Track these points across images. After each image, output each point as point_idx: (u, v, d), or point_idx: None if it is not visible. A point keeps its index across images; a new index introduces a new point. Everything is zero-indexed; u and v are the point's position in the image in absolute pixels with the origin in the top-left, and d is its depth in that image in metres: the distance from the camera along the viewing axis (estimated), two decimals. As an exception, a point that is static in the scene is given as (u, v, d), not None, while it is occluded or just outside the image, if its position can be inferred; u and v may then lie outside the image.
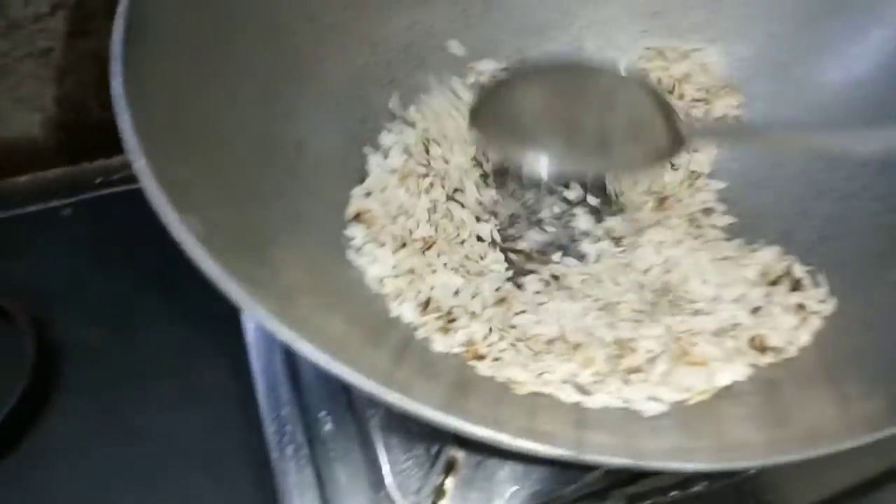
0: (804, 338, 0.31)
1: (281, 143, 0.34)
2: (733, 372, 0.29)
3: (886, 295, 0.30)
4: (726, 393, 0.29)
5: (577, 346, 0.30)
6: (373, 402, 0.33)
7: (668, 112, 0.31)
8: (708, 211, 0.37)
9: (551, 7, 0.42)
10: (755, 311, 0.32)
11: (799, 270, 0.33)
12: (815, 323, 0.31)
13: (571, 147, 0.31)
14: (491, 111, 0.32)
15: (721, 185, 0.38)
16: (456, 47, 0.41)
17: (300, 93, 0.35)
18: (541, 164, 0.31)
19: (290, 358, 0.36)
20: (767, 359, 0.30)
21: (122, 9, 0.26)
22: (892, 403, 0.26)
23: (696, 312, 0.32)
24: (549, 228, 0.38)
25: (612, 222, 0.37)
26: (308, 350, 0.21)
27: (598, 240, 0.37)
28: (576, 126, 0.32)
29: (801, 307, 0.31)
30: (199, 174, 0.26)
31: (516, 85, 0.33)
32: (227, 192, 0.28)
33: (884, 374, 0.27)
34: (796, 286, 0.32)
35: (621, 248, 0.36)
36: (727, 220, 0.37)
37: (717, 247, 0.36)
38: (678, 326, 0.31)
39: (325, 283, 0.31)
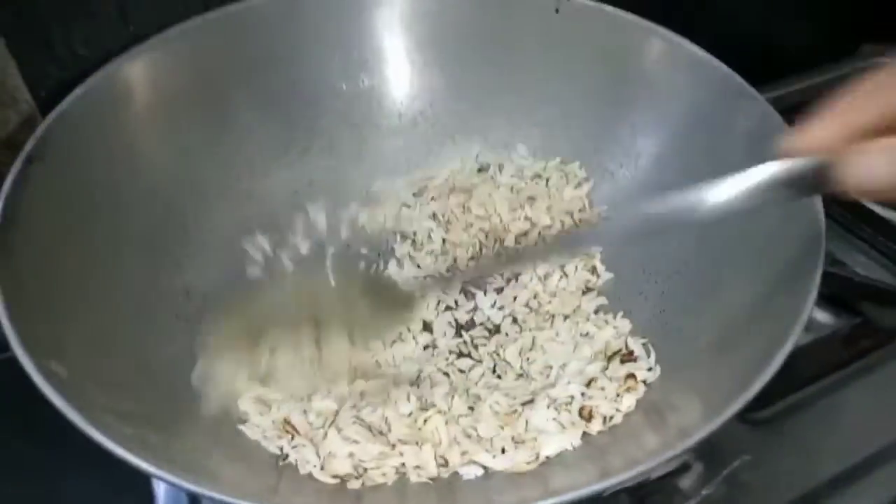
0: (628, 403, 0.34)
1: (167, 291, 0.39)
2: (562, 442, 0.32)
3: (704, 355, 0.34)
4: (556, 461, 0.32)
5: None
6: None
7: None
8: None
9: (415, 150, 0.48)
10: (589, 383, 0.35)
11: (633, 344, 0.37)
12: (641, 389, 0.35)
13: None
14: None
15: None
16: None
17: (185, 244, 0.41)
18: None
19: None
20: (596, 427, 0.33)
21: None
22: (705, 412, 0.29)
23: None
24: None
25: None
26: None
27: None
28: None
29: (630, 377, 0.35)
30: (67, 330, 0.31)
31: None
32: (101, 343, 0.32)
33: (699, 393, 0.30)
34: (629, 358, 0.36)
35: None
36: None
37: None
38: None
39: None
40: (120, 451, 0.25)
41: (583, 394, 0.34)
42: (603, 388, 0.35)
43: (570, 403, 0.34)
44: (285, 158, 0.46)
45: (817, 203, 0.32)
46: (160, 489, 0.37)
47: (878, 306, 0.45)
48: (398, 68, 0.47)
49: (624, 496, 0.36)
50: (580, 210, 0.44)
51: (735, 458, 0.38)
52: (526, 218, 0.44)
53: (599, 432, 0.33)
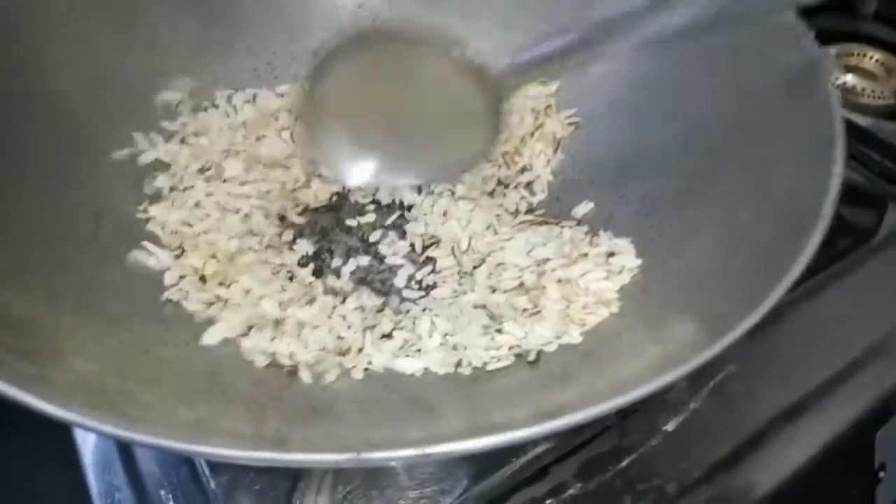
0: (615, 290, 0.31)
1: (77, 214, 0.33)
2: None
3: (695, 256, 0.31)
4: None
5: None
6: (216, 468, 0.31)
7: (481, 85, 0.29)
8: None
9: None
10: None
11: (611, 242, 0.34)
12: (626, 276, 0.32)
13: (398, 158, 0.30)
14: (316, 112, 0.30)
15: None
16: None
17: (95, 165, 0.34)
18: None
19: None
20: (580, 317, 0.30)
21: None
22: (704, 325, 0.25)
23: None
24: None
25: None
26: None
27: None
28: (399, 128, 0.30)
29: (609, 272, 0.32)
30: None
31: (337, 82, 0.30)
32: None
33: (698, 311, 0.27)
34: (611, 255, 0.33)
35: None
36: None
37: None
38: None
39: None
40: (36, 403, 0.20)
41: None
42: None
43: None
44: (205, 58, 0.39)
45: (825, 82, 0.28)
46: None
47: (853, 207, 0.43)
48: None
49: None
50: (546, 108, 0.39)
51: (720, 369, 0.36)
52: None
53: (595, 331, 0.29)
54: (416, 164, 0.31)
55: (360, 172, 0.30)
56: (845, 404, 0.35)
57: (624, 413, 0.33)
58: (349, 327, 0.31)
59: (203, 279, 0.32)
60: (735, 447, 0.33)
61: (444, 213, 0.36)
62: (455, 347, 0.30)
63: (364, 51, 0.30)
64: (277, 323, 0.30)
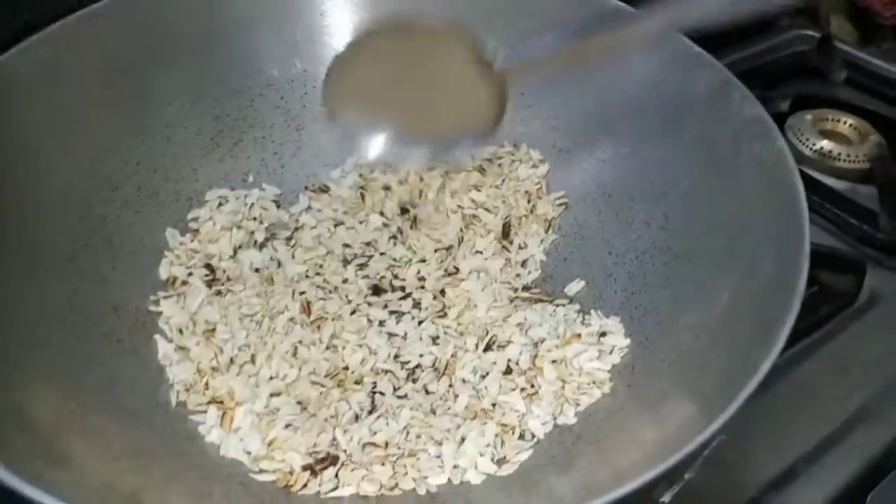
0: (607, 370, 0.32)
1: (96, 309, 0.35)
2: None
3: (681, 334, 0.33)
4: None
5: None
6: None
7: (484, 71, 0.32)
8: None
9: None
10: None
11: (602, 322, 0.35)
12: (616, 355, 0.33)
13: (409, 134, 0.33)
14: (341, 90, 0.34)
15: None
16: (273, 190, 0.43)
17: (111, 256, 0.36)
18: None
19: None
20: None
21: None
22: (695, 404, 0.27)
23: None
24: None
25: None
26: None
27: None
28: (410, 107, 0.33)
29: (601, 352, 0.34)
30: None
31: (358, 63, 0.34)
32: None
33: (688, 388, 0.28)
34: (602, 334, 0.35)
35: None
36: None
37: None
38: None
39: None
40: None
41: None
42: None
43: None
44: (215, 153, 0.42)
45: (792, 170, 0.30)
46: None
47: (832, 273, 0.45)
48: (334, 51, 0.44)
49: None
50: (538, 190, 0.42)
51: (713, 438, 0.37)
52: (472, 201, 0.42)
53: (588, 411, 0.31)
54: (426, 140, 0.33)
55: (374, 146, 0.32)
56: (836, 468, 0.37)
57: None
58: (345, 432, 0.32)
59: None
60: (731, 515, 0.34)
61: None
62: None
63: (380, 39, 0.34)
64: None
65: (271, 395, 0.32)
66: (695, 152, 0.36)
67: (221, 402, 0.32)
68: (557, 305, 0.37)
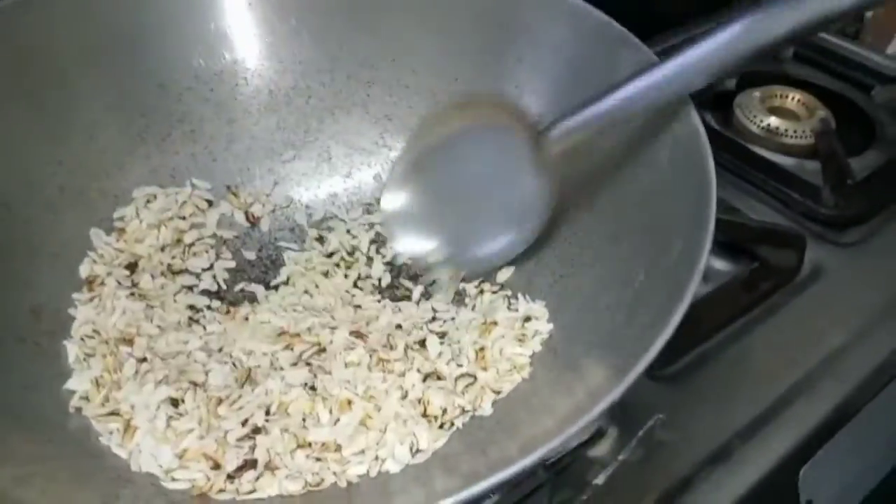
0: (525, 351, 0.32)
1: (13, 312, 0.34)
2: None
3: (602, 314, 0.32)
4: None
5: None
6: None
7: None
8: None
9: (292, 129, 0.44)
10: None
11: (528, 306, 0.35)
12: (537, 340, 0.33)
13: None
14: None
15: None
16: (204, 185, 0.42)
17: (31, 258, 0.36)
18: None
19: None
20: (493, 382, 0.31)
21: None
22: (608, 372, 0.27)
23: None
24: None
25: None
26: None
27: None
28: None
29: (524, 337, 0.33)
30: None
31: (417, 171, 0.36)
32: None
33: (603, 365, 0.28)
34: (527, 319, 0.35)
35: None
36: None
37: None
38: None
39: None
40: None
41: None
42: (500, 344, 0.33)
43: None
44: (141, 149, 0.41)
45: (705, 147, 0.30)
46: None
47: (774, 249, 0.45)
48: (262, 39, 0.43)
49: (540, 471, 0.34)
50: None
51: (648, 417, 0.37)
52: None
53: (506, 398, 0.31)
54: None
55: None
56: (771, 444, 0.37)
57: (556, 470, 0.35)
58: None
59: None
60: (663, 495, 0.34)
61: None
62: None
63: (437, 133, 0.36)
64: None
65: (175, 404, 0.31)
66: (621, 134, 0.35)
67: (121, 416, 0.31)
68: (485, 292, 0.37)
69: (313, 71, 0.45)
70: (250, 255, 0.41)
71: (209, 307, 0.38)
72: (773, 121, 0.56)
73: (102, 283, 0.36)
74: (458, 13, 0.41)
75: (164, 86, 0.42)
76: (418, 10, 0.42)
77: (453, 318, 0.37)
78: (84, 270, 0.37)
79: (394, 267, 0.41)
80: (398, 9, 0.42)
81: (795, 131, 0.55)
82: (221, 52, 0.43)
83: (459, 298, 0.39)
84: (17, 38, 0.37)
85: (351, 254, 0.42)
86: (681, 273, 0.26)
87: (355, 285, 0.40)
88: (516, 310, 0.35)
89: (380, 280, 0.41)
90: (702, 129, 0.30)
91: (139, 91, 0.41)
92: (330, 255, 0.42)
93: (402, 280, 0.41)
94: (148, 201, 0.40)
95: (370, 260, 0.42)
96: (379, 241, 0.42)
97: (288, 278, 0.40)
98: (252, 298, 0.39)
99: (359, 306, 0.38)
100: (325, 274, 0.41)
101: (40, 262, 0.36)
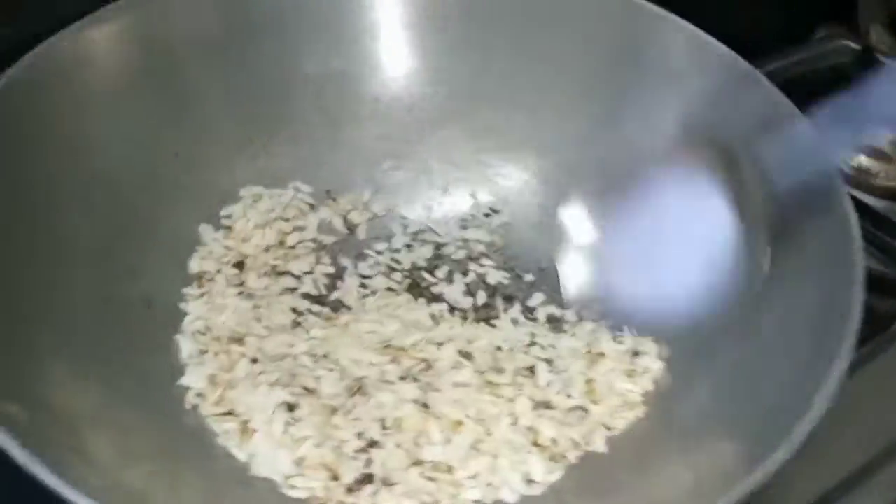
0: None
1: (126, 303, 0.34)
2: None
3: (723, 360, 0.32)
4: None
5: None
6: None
7: None
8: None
9: (393, 139, 0.45)
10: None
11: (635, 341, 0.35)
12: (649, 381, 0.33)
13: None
14: None
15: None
16: (306, 188, 0.43)
17: (142, 248, 0.36)
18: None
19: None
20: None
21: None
22: (740, 449, 0.26)
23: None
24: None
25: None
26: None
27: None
28: None
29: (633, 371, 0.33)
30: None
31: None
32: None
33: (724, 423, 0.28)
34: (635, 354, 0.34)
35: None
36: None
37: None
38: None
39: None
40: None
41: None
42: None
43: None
44: (249, 149, 0.42)
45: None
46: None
47: (878, 295, 0.43)
48: (373, 51, 0.43)
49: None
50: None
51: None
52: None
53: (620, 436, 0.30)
54: None
55: None
56: (871, 499, 0.36)
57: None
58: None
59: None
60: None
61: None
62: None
63: None
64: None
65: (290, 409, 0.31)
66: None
67: (237, 416, 0.31)
68: (583, 319, 0.37)
69: (417, 83, 0.45)
70: (347, 262, 0.41)
71: (311, 311, 0.38)
72: (864, 160, 0.55)
73: (212, 280, 0.37)
74: (577, 42, 0.40)
75: (275, 86, 0.42)
76: (532, 29, 0.42)
77: (553, 346, 0.36)
78: (194, 266, 0.37)
79: (488, 285, 0.41)
80: (518, 29, 0.42)
81: (887, 172, 0.54)
82: (331, 59, 0.43)
83: (557, 324, 0.38)
84: (140, 30, 0.38)
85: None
86: (827, 328, 0.25)
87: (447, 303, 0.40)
88: (622, 342, 0.35)
89: (475, 299, 0.40)
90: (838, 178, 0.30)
91: (252, 89, 0.41)
92: (423, 269, 0.42)
93: (496, 299, 0.41)
94: (254, 201, 0.41)
95: (465, 275, 0.42)
96: (474, 258, 0.42)
97: (383, 289, 0.40)
98: (350, 306, 0.39)
99: (454, 324, 0.38)
100: (417, 287, 0.41)
101: (152, 254, 0.37)
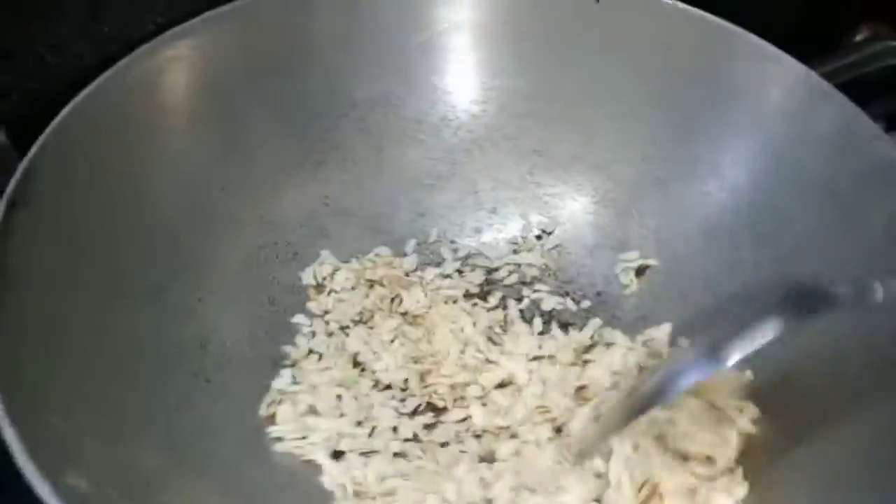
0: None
1: (181, 345, 0.33)
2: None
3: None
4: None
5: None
6: None
7: None
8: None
9: (439, 160, 0.43)
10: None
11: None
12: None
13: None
14: None
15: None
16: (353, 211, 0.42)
17: (197, 286, 0.35)
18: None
19: None
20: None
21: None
22: None
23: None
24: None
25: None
26: None
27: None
28: None
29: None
30: (80, 416, 0.25)
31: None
32: (116, 425, 0.27)
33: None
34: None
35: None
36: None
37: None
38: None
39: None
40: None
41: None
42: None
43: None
44: (299, 175, 0.41)
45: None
46: None
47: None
48: (418, 71, 0.42)
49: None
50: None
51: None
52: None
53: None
54: None
55: None
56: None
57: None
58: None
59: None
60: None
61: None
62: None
63: None
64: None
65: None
66: (815, 194, 0.33)
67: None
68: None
69: (464, 101, 0.43)
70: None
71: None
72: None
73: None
74: (643, 52, 0.39)
75: (321, 113, 0.41)
76: (589, 48, 0.41)
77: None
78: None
79: (543, 312, 0.40)
80: (569, 46, 0.40)
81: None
82: (379, 83, 0.42)
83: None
84: (190, 61, 0.37)
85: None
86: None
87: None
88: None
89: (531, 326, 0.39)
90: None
91: (298, 117, 0.40)
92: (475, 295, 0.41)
93: (551, 325, 0.39)
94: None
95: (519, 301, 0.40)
96: (527, 282, 0.41)
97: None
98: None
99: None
100: (470, 314, 0.39)
101: (204, 292, 0.36)
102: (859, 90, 0.58)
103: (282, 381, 0.35)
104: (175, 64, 0.35)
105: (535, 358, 0.37)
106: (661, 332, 0.38)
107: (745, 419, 0.32)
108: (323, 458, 0.31)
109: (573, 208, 0.43)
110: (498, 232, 0.43)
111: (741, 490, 0.30)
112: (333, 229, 0.41)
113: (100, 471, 0.24)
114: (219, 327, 0.35)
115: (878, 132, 0.32)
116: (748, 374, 0.33)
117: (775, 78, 0.35)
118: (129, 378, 0.30)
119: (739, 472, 0.31)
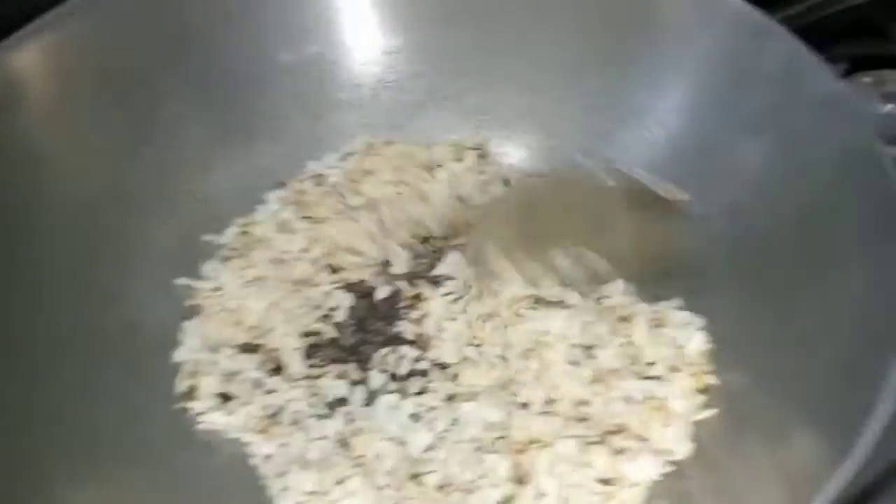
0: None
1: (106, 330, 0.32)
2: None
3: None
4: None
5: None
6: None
7: None
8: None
9: (380, 126, 0.41)
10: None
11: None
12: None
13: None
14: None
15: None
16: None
17: (123, 269, 0.34)
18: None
19: None
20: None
21: None
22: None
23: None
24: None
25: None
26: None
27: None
28: None
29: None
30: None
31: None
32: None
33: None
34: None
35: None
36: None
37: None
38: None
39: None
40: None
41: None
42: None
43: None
44: (227, 149, 0.39)
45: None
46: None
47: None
48: (350, 30, 0.40)
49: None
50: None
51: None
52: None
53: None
54: None
55: None
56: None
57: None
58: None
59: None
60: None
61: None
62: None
63: None
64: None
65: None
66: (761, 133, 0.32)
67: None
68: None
69: (402, 63, 0.41)
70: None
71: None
72: (891, 108, 0.52)
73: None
74: (574, 10, 0.37)
75: (247, 82, 0.39)
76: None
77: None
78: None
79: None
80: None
81: (919, 121, 0.51)
82: (306, 45, 0.40)
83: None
84: (94, 35, 0.35)
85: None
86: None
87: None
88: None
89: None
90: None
91: (222, 88, 0.39)
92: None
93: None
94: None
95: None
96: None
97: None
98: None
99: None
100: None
101: (131, 274, 0.34)
102: (820, 33, 0.56)
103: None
104: (77, 39, 0.34)
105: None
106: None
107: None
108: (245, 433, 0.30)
109: (521, 166, 0.41)
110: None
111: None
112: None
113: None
114: (149, 310, 0.34)
115: (822, 65, 0.30)
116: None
117: (714, 17, 0.33)
118: (47, 367, 0.28)
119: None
